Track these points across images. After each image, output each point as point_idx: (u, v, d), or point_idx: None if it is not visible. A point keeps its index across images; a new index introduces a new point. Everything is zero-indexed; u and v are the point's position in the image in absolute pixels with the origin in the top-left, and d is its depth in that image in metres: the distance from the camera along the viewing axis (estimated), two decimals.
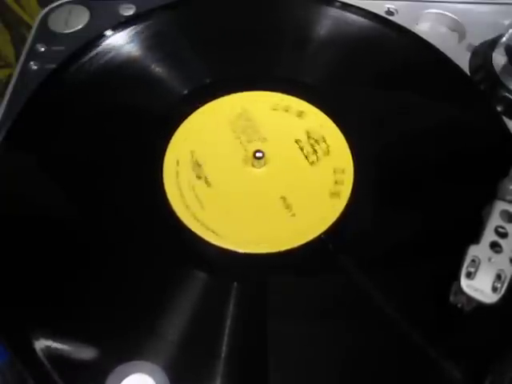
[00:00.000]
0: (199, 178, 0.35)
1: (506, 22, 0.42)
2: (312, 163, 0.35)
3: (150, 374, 0.27)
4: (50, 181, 0.35)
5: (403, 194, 0.34)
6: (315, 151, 0.36)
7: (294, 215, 0.33)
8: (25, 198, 0.34)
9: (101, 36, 0.40)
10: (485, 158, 0.34)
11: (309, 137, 0.36)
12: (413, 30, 0.41)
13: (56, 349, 0.28)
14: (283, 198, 0.34)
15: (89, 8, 0.43)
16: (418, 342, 0.29)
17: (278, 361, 0.28)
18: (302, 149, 0.36)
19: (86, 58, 0.39)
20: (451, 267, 0.28)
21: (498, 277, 0.28)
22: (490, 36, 0.40)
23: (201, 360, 0.28)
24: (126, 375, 0.27)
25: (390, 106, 0.38)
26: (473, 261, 0.28)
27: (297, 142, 0.36)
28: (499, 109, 0.37)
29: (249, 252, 0.32)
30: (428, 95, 0.38)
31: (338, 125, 0.37)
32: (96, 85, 0.38)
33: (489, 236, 0.29)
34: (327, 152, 0.36)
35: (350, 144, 0.36)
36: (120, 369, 0.27)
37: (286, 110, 0.38)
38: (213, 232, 0.33)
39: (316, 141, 0.36)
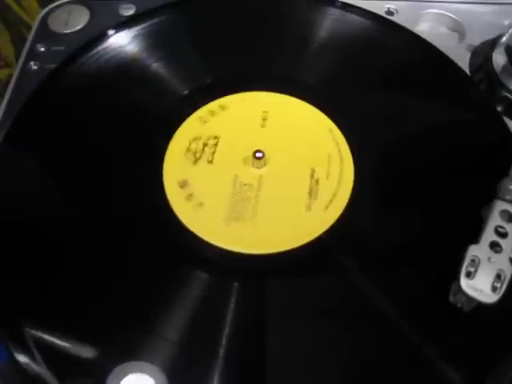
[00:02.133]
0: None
1: (506, 22, 0.42)
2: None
3: (150, 373, 0.27)
4: (50, 181, 0.35)
5: (403, 194, 0.34)
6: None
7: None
8: (25, 198, 0.34)
9: (101, 36, 0.40)
10: (485, 158, 0.34)
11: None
12: (413, 30, 0.41)
13: (55, 349, 0.28)
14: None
15: (89, 8, 0.43)
16: (417, 342, 0.29)
17: (277, 361, 0.28)
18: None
19: (86, 58, 0.39)
20: (451, 267, 0.28)
21: (498, 276, 0.28)
22: (490, 36, 0.40)
23: (200, 360, 0.28)
24: (126, 375, 0.27)
25: (389, 106, 0.38)
26: (472, 260, 0.28)
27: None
28: (499, 109, 0.37)
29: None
30: (428, 95, 0.38)
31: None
32: (96, 85, 0.38)
33: (489, 236, 0.29)
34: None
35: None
36: (119, 368, 0.27)
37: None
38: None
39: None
